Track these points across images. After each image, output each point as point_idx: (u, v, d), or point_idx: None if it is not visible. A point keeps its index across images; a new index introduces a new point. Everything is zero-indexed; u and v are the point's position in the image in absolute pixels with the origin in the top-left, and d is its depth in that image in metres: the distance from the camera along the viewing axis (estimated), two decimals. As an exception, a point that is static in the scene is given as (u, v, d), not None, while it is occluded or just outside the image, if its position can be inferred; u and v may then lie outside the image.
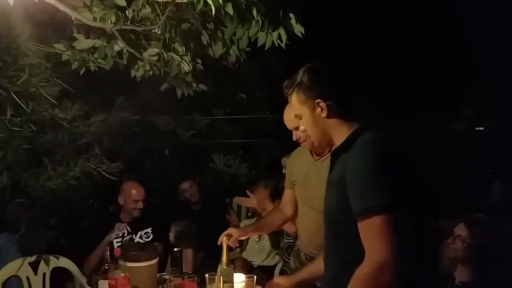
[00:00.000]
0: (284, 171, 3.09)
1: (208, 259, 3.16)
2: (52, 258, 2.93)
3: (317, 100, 1.48)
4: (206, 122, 5.02)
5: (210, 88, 4.36)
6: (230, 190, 4.52)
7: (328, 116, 1.49)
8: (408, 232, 1.32)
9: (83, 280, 2.89)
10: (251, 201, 3.19)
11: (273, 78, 5.93)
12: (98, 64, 2.81)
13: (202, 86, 3.28)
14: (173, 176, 4.01)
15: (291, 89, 1.54)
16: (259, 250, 3.44)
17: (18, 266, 2.84)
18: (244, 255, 3.52)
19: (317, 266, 1.81)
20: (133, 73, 2.91)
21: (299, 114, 1.55)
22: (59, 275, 2.97)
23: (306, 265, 2.52)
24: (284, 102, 1.75)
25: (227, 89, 5.67)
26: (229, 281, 2.16)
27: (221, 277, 2.08)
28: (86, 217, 3.16)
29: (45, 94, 2.74)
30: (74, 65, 2.84)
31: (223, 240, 2.20)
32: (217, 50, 3.10)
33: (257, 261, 3.44)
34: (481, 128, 6.64)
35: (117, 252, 2.08)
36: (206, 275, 2.23)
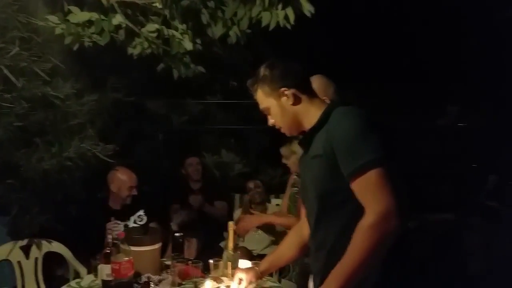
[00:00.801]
0: (283, 160, 3.01)
1: (207, 243, 3.10)
2: (44, 242, 2.82)
3: (282, 89, 1.57)
4: (199, 108, 4.91)
5: (202, 73, 4.26)
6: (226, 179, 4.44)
7: (294, 103, 1.58)
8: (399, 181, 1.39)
9: (76, 265, 2.79)
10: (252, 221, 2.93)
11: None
12: (93, 40, 2.67)
13: (200, 68, 3.16)
14: (168, 160, 3.90)
15: (256, 85, 1.63)
16: (258, 239, 3.38)
17: (9, 250, 2.72)
18: (243, 244, 3.45)
19: (278, 253, 1.91)
20: (129, 50, 2.77)
21: (267, 107, 1.63)
22: (52, 259, 2.86)
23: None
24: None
25: (218, 76, 5.56)
26: (235, 266, 2.09)
27: (229, 263, 2.01)
28: (80, 200, 3.02)
29: (37, 70, 2.59)
30: (67, 40, 2.68)
31: (229, 225, 2.13)
32: (217, 30, 2.97)
33: (257, 249, 3.39)
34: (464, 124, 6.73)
35: (121, 235, 1.98)
36: (211, 261, 2.16)
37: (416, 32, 6.81)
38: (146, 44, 2.66)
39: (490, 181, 4.05)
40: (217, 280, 2.01)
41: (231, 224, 2.13)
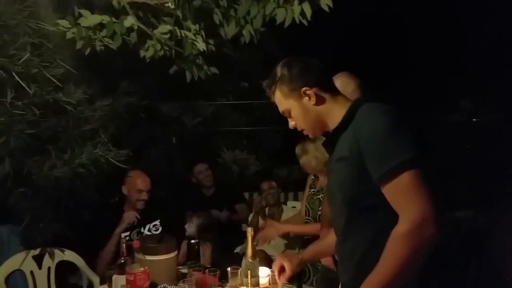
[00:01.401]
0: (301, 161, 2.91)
1: (222, 249, 3.01)
2: (57, 251, 2.77)
3: (303, 89, 1.47)
4: (212, 110, 4.84)
5: (213, 74, 4.20)
6: (240, 181, 4.36)
7: (317, 103, 1.48)
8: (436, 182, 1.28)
9: (90, 274, 2.73)
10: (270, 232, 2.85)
11: (275, 66, 5.79)
12: (105, 43, 2.61)
13: (214, 69, 3.09)
14: (181, 165, 3.82)
15: (273, 86, 1.52)
16: (274, 245, 3.28)
17: (22, 260, 2.67)
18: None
19: (326, 242, 1.78)
20: (142, 53, 2.71)
21: (287, 108, 1.52)
22: (65, 269, 2.80)
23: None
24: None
25: (229, 77, 5.51)
26: (255, 275, 2.00)
27: (249, 271, 1.92)
28: (93, 208, 2.96)
29: (48, 76, 2.54)
30: (79, 45, 2.65)
31: (248, 231, 2.04)
32: (230, 30, 2.90)
33: (273, 255, 3.29)
34: (478, 119, 6.61)
35: (136, 244, 1.90)
36: (228, 269, 2.07)
37: (425, 27, 6.68)
38: (158, 46, 2.59)
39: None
40: (237, 289, 1.93)
41: (249, 230, 2.04)
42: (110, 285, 2.13)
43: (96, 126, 2.95)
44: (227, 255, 3.05)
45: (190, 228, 2.71)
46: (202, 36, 2.61)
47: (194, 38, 2.54)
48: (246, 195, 4.07)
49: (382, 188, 1.29)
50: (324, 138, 2.78)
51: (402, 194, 1.24)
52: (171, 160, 4.15)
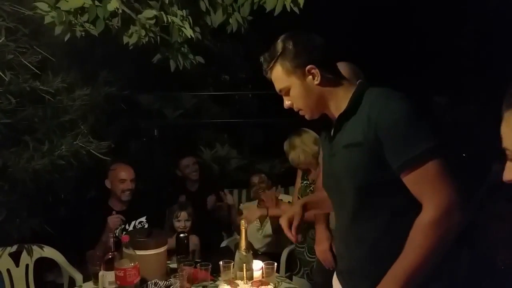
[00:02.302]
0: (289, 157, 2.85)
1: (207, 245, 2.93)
2: (35, 248, 2.63)
3: (308, 67, 1.36)
4: (193, 102, 4.73)
5: (196, 66, 4.09)
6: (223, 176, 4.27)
7: (321, 83, 1.37)
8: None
9: (72, 271, 2.60)
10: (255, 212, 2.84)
11: (256, 59, 5.73)
12: (86, 29, 2.48)
13: (199, 58, 2.99)
14: (164, 158, 3.70)
15: (273, 61, 1.39)
16: (261, 237, 3.22)
17: (-3, 258, 2.52)
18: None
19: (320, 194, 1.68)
20: (125, 39, 2.56)
21: (287, 86, 1.40)
22: (44, 266, 2.67)
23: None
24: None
25: (210, 70, 5.42)
26: (249, 268, 1.94)
27: (244, 264, 1.85)
28: (73, 202, 2.83)
29: (25, 62, 2.39)
30: (58, 30, 2.47)
31: (241, 223, 1.97)
32: (217, 18, 2.81)
33: (260, 248, 3.23)
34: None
35: (125, 238, 1.80)
36: (221, 262, 2.00)
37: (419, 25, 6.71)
38: (143, 32, 2.46)
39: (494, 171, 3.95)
40: (231, 283, 1.86)
41: (242, 223, 1.97)
42: (96, 282, 2.03)
43: (75, 116, 2.82)
44: (213, 250, 2.98)
45: (180, 222, 2.62)
46: (189, 23, 2.51)
47: (181, 24, 2.43)
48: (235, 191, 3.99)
49: (403, 176, 1.24)
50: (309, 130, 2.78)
51: (428, 183, 1.20)
52: (154, 153, 4.03)
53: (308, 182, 2.71)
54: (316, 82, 1.37)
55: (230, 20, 2.85)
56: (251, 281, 1.89)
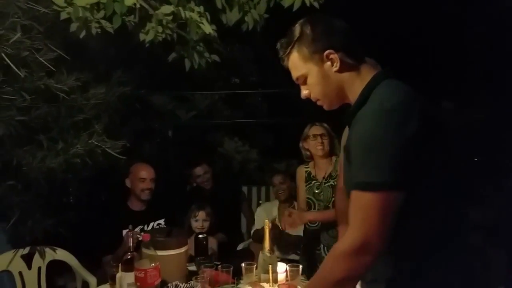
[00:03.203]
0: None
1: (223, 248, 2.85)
2: (48, 250, 2.57)
3: (327, 52, 1.26)
4: (206, 104, 4.69)
5: (208, 68, 4.04)
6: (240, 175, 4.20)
7: (340, 70, 1.27)
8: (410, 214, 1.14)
9: (85, 274, 2.53)
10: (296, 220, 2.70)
11: (265, 62, 5.71)
12: (102, 25, 2.43)
13: (215, 57, 2.93)
14: (179, 160, 3.63)
15: (290, 47, 1.31)
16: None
17: (9, 260, 2.46)
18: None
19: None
20: (141, 36, 2.52)
21: (304, 73, 1.31)
22: (56, 269, 2.60)
23: None
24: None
25: (220, 73, 5.38)
26: (274, 270, 1.86)
27: (270, 265, 1.77)
28: (89, 203, 2.76)
29: (41, 59, 2.34)
30: (73, 27, 2.43)
31: (265, 223, 1.90)
32: (233, 15, 2.76)
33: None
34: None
35: (146, 237, 1.73)
36: (243, 264, 1.92)
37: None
38: (160, 29, 2.41)
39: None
40: (256, 286, 1.78)
41: (266, 223, 1.90)
42: (113, 284, 1.95)
43: (89, 116, 2.77)
44: (231, 252, 2.90)
45: (198, 222, 2.54)
46: (207, 19, 2.45)
47: (199, 20, 2.38)
48: (245, 189, 3.89)
49: (351, 192, 1.16)
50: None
51: (360, 212, 1.12)
52: (169, 154, 3.97)
53: (317, 181, 2.69)
54: (335, 69, 1.27)
55: (246, 18, 2.80)
56: (278, 284, 1.81)
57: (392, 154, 1.09)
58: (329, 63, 1.27)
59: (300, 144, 2.82)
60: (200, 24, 2.40)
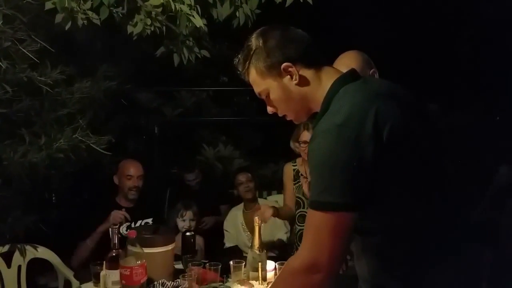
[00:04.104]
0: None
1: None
2: (29, 248, 2.47)
3: (284, 65, 1.18)
4: (192, 101, 4.63)
5: (196, 64, 3.99)
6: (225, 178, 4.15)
7: (300, 82, 1.19)
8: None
9: (67, 273, 2.45)
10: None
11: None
12: (89, 17, 2.36)
13: (205, 52, 2.88)
14: (165, 157, 3.57)
15: (247, 63, 1.23)
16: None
17: (-12, 258, 2.36)
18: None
19: None
20: (129, 29, 2.45)
21: (265, 89, 1.24)
22: (37, 267, 2.51)
23: None
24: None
25: (208, 71, 5.33)
26: (263, 268, 1.82)
27: (260, 263, 1.73)
28: (72, 200, 2.69)
29: (24, 51, 2.27)
30: (59, 18, 2.36)
31: (255, 220, 1.86)
32: (224, 10, 2.71)
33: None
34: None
35: (132, 234, 1.67)
36: (231, 262, 1.88)
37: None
38: (148, 21, 2.36)
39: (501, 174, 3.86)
40: (246, 284, 1.73)
41: (256, 219, 1.86)
42: (96, 283, 1.89)
43: (73, 110, 2.70)
44: (217, 250, 2.85)
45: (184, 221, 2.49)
46: (198, 12, 2.40)
47: (189, 13, 2.33)
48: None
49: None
50: None
51: (310, 228, 1.09)
52: (154, 152, 3.90)
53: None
54: (294, 82, 1.19)
55: (237, 13, 2.76)
56: (267, 282, 1.77)
57: (341, 173, 1.04)
58: (288, 76, 1.20)
59: (291, 144, 2.78)
60: (191, 17, 2.34)
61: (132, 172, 2.66)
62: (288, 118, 1.28)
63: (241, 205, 3.17)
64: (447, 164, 1.18)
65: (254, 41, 1.22)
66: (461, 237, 1.18)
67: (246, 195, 3.10)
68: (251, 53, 1.21)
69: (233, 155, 4.50)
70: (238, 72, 1.27)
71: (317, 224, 1.07)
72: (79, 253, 2.54)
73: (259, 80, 1.23)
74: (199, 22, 2.34)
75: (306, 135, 2.62)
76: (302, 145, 2.64)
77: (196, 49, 2.81)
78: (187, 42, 2.75)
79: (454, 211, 1.17)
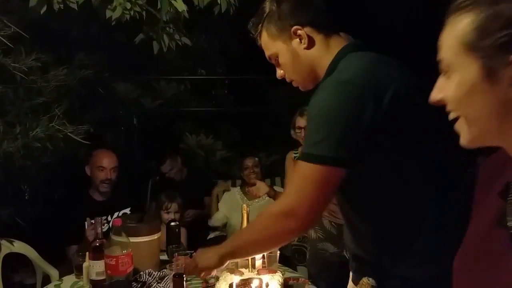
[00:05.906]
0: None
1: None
2: (4, 242, 2.35)
3: (294, 28, 1.21)
4: (172, 93, 4.54)
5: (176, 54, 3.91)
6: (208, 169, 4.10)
7: (309, 46, 1.22)
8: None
9: (46, 267, 2.36)
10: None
11: (232, 54, 5.64)
12: (65, 0, 2.26)
13: (186, 40, 2.82)
14: (145, 148, 3.48)
15: (260, 26, 1.26)
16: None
17: (-40, 253, 2.25)
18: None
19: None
20: (108, 13, 2.36)
21: (275, 52, 1.27)
22: (14, 262, 2.41)
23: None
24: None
25: (186, 63, 5.25)
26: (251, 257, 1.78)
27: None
28: (49, 192, 2.58)
29: (-5, 34, 2.15)
30: (33, 2, 2.27)
31: (243, 207, 1.82)
32: (206, -5, 2.65)
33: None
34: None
35: (117, 222, 1.60)
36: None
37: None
38: (128, 5, 2.28)
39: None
40: (235, 272, 1.69)
41: (244, 207, 1.82)
42: (79, 275, 1.82)
43: (49, 99, 2.59)
44: (201, 242, 2.80)
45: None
46: (180, -5, 2.34)
47: (171, -4, 2.26)
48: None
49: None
50: None
51: (297, 180, 1.13)
52: (133, 143, 3.80)
53: None
54: (303, 46, 1.21)
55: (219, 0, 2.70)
56: (257, 269, 1.73)
57: (338, 128, 1.04)
58: (297, 40, 1.22)
59: (291, 132, 2.75)
60: (172, 1, 2.28)
61: (105, 163, 2.53)
62: (294, 84, 1.30)
63: (236, 189, 3.21)
64: (443, 136, 1.17)
65: (269, 4, 1.24)
66: (454, 207, 1.17)
67: (251, 180, 3.08)
68: (264, 16, 1.24)
69: (215, 146, 4.45)
70: (252, 35, 1.30)
71: (305, 174, 1.09)
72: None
73: (270, 43, 1.26)
74: (181, 5, 2.28)
75: (300, 121, 2.60)
76: (297, 130, 2.63)
77: (176, 36, 2.74)
78: (168, 29, 2.68)
79: (447, 181, 1.16)
